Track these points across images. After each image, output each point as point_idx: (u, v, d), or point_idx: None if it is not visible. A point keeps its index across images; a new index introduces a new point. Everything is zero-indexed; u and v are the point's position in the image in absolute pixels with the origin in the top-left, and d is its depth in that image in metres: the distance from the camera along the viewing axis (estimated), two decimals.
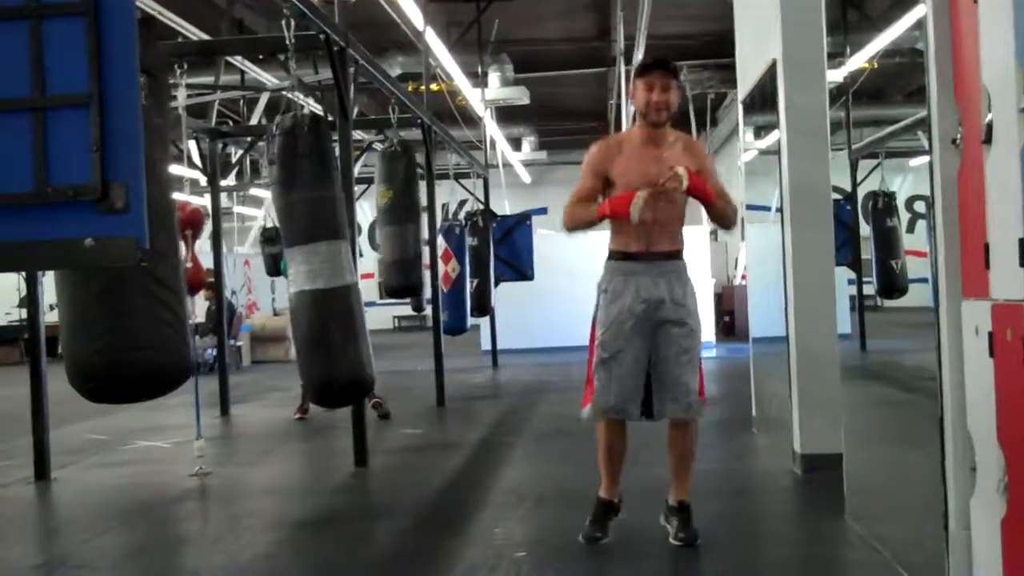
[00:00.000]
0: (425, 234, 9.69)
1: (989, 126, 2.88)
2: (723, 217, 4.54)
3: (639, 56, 13.10)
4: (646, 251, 4.35)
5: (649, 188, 4.17)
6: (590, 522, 4.55)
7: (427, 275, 11.23)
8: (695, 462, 4.61)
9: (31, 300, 7.05)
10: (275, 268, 15.62)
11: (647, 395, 4.38)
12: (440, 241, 11.59)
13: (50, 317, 7.03)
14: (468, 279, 12.40)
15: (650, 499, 4.84)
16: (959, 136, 3.16)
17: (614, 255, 4.42)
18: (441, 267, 11.42)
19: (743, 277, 16.55)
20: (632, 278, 4.34)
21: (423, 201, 9.88)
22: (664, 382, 4.35)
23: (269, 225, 15.44)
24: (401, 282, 9.13)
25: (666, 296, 4.35)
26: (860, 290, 8.00)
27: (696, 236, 16.83)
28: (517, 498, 5.74)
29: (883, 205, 10.23)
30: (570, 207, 4.42)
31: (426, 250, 9.92)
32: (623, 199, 4.18)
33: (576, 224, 4.40)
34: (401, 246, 9.11)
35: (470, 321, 12.77)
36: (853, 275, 7.39)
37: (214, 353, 12.62)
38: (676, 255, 4.46)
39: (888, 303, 10.26)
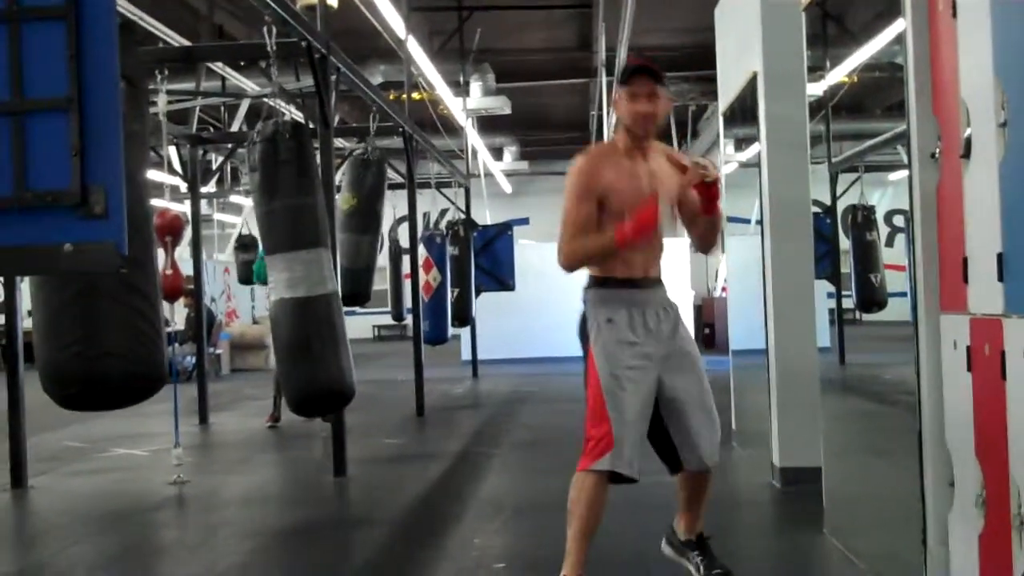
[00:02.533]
0: (386, 245, 9.59)
1: (968, 140, 2.90)
2: (715, 232, 4.07)
3: (620, 67, 13.14)
4: (645, 276, 3.86)
5: (647, 200, 3.68)
6: None
7: (407, 284, 11.21)
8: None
9: (9, 306, 7.01)
10: (248, 276, 15.58)
11: (663, 444, 3.87)
12: (421, 250, 11.57)
13: (28, 323, 6.99)
14: (449, 289, 12.38)
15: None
16: (938, 150, 3.18)
17: (610, 282, 3.83)
18: (422, 276, 11.40)
19: (723, 289, 16.60)
20: (636, 308, 3.81)
21: (388, 213, 9.82)
22: (692, 424, 3.83)
23: (245, 232, 15.37)
24: (351, 290, 8.92)
25: (668, 332, 3.87)
26: (839, 303, 8.03)
27: (676, 247, 16.93)
28: (495, 509, 5.73)
29: (862, 219, 10.28)
30: (573, 241, 3.76)
31: (406, 259, 9.90)
32: (647, 216, 3.62)
33: (588, 259, 3.81)
34: (355, 254, 9.08)
35: (451, 331, 12.76)
36: (832, 288, 7.42)
37: (193, 361, 12.56)
38: (662, 281, 3.98)
39: (867, 317, 10.30)
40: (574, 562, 3.74)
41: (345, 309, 7.03)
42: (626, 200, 3.72)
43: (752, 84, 6.12)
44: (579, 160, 3.84)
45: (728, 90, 7.30)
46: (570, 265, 3.81)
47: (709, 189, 3.76)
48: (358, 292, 9.30)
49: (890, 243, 11.58)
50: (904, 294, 4.57)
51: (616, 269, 3.81)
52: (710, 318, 17.60)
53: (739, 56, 6.66)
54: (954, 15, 3.00)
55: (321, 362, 5.78)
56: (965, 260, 2.97)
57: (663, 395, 3.80)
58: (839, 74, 5.11)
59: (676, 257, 16.60)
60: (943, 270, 3.21)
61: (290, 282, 5.79)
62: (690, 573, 4.06)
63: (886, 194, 11.83)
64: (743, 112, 6.72)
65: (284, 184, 5.80)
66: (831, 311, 8.11)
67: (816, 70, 5.10)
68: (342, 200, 9.06)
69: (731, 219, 8.88)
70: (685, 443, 3.84)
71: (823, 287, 6.26)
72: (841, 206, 9.42)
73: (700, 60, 14.40)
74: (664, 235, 3.89)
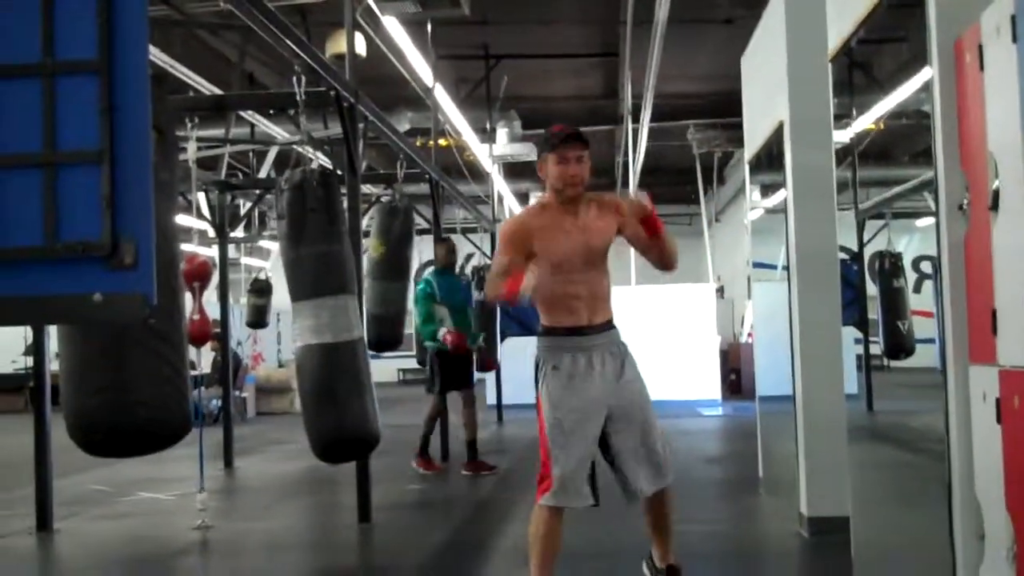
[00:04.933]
0: (411, 290, 9.70)
1: (996, 192, 2.89)
2: (669, 251, 4.33)
3: (647, 115, 13.21)
4: (589, 324, 4.19)
5: (572, 256, 4.14)
6: None
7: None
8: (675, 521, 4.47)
9: (37, 349, 7.07)
10: (259, 320, 15.62)
11: (618, 472, 4.20)
12: None
13: (55, 366, 7.04)
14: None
15: None
16: (966, 202, 3.17)
17: (556, 331, 4.21)
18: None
19: (749, 335, 16.53)
20: (582, 353, 4.16)
21: (416, 259, 9.94)
22: (638, 456, 4.16)
23: (262, 277, 15.49)
24: (380, 336, 8.97)
25: (612, 372, 4.19)
26: (867, 350, 7.98)
27: (702, 293, 16.92)
28: (523, 556, 5.67)
29: (890, 265, 10.22)
30: (489, 284, 4.26)
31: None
32: (515, 282, 3.97)
33: (495, 299, 4.22)
34: (385, 301, 9.10)
35: (476, 375, 12.73)
36: (860, 335, 7.37)
37: (219, 404, 12.59)
38: (612, 324, 4.30)
39: (895, 363, 10.22)
40: None
41: (371, 353, 7.06)
42: (558, 251, 4.14)
43: (779, 132, 6.14)
44: (511, 219, 4.49)
45: (754, 137, 7.32)
46: (488, 298, 4.32)
47: (648, 218, 4.15)
48: (389, 338, 9.32)
49: (917, 289, 11.51)
50: (932, 341, 4.53)
51: (561, 319, 4.20)
52: (736, 363, 17.47)
53: (766, 104, 6.68)
54: (981, 68, 3.00)
55: (346, 409, 5.78)
56: (994, 312, 2.95)
57: (612, 425, 4.15)
58: (866, 122, 5.11)
59: (702, 302, 16.61)
60: (972, 321, 3.19)
61: (316, 328, 5.81)
62: None
63: (913, 240, 11.77)
64: (769, 159, 6.73)
65: (311, 231, 5.84)
66: (858, 357, 8.06)
67: (842, 117, 5.11)
68: (371, 247, 9.14)
69: (757, 264, 8.86)
70: (625, 484, 4.19)
71: (850, 333, 6.22)
72: (868, 252, 9.38)
73: (725, 107, 14.45)
74: (607, 284, 4.30)
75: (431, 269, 9.51)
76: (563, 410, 4.10)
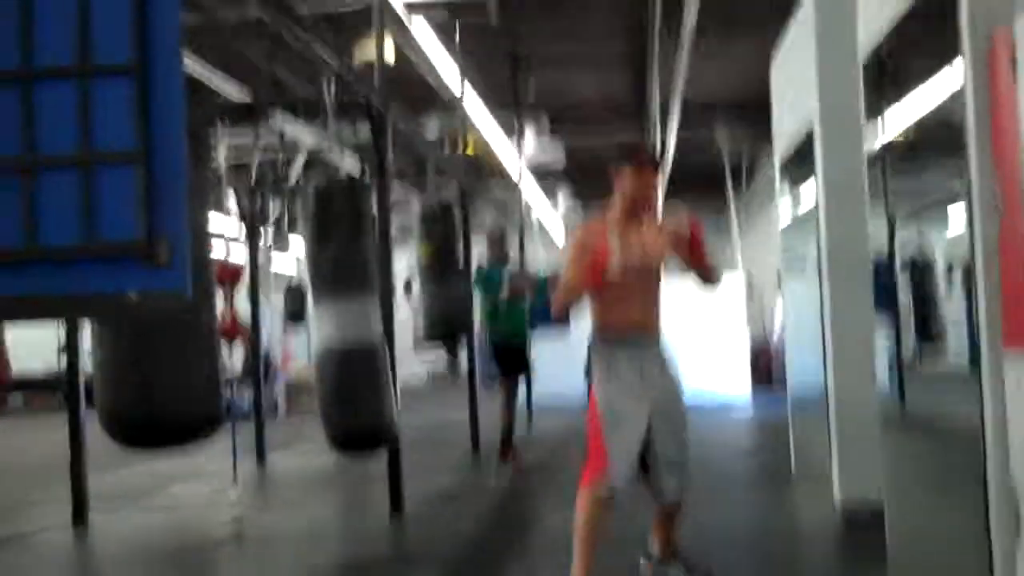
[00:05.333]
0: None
1: None
2: (709, 274, 4.63)
3: (675, 116, 13.19)
4: (642, 332, 4.52)
5: (631, 268, 4.36)
6: None
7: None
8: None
9: (71, 347, 7.14)
10: (298, 312, 15.96)
11: (651, 476, 4.47)
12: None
13: (89, 365, 7.11)
14: None
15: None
16: (999, 202, 3.15)
17: (609, 333, 4.51)
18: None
19: (780, 331, 16.45)
20: (634, 360, 4.45)
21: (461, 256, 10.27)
22: (663, 462, 4.41)
23: (294, 284, 15.82)
24: (446, 332, 9.81)
25: (660, 376, 4.50)
26: (899, 343, 7.94)
27: (731, 281, 16.80)
28: (554, 546, 5.68)
29: (922, 265, 10.15)
30: (561, 294, 4.47)
31: None
32: (599, 263, 4.31)
33: (569, 304, 4.46)
34: (445, 299, 9.54)
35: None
36: (891, 337, 7.35)
37: (251, 401, 12.67)
38: (659, 335, 4.61)
39: (927, 360, 10.14)
40: (579, 570, 4.36)
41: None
42: (620, 262, 4.33)
43: (809, 135, 6.12)
44: (578, 232, 4.70)
45: (784, 140, 7.29)
46: (558, 312, 4.48)
47: (690, 242, 4.42)
48: (454, 332, 9.98)
49: (949, 283, 11.40)
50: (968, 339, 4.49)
51: (617, 326, 4.49)
52: (767, 358, 17.44)
53: (796, 107, 6.66)
54: (1014, 68, 2.99)
55: (365, 408, 5.86)
56: None
57: (647, 441, 4.38)
58: (897, 124, 5.09)
59: (731, 292, 16.53)
60: (1006, 307, 3.18)
61: (337, 329, 5.86)
62: None
63: (946, 242, 11.67)
64: (800, 161, 6.70)
65: (336, 233, 5.88)
66: (890, 356, 8.02)
67: (873, 120, 5.09)
68: (420, 253, 9.66)
69: (787, 264, 8.83)
70: (654, 484, 4.45)
71: (881, 335, 6.20)
72: (900, 254, 9.30)
73: (754, 107, 14.39)
74: (660, 298, 4.58)
75: (488, 263, 9.64)
76: (617, 406, 4.36)
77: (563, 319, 4.71)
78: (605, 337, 4.52)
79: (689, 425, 4.55)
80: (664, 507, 4.59)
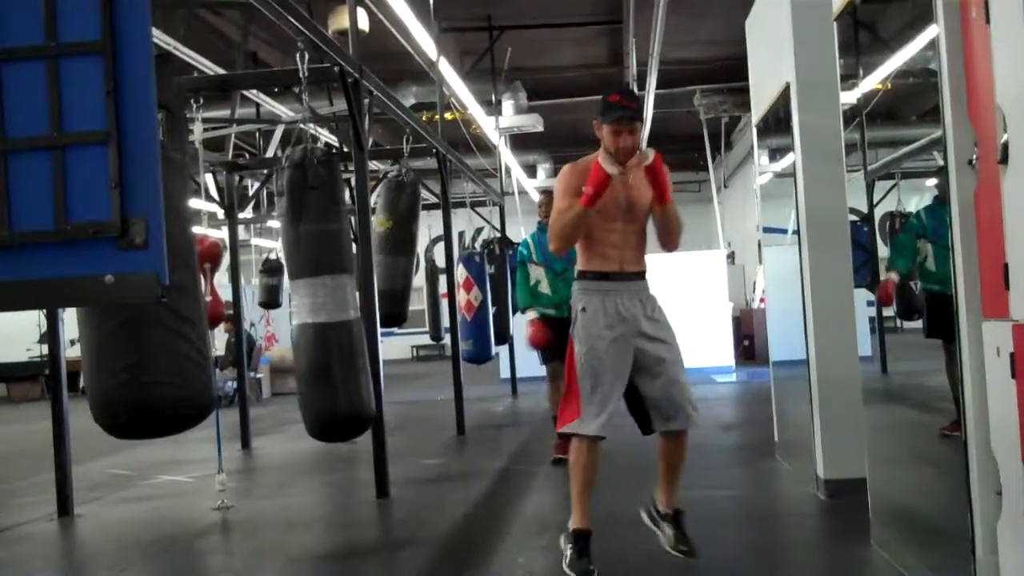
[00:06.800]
0: (423, 265, 9.61)
1: (1005, 146, 2.87)
2: (673, 225, 4.53)
3: (652, 80, 13.16)
4: (620, 270, 4.46)
5: (613, 207, 4.38)
6: (576, 557, 4.40)
7: (444, 304, 11.18)
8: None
9: (52, 336, 7.09)
10: (271, 300, 15.65)
11: (638, 410, 4.46)
12: (460, 270, 11.55)
13: (71, 352, 7.07)
14: (490, 307, 12.29)
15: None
16: (975, 157, 3.15)
17: (588, 275, 4.50)
18: (463, 296, 11.39)
19: (762, 300, 16.51)
20: (609, 296, 4.42)
21: (424, 233, 9.88)
22: (656, 397, 4.39)
23: (273, 257, 15.54)
24: (388, 311, 8.89)
25: (640, 313, 4.44)
26: (880, 312, 7.96)
27: (713, 259, 16.89)
28: (540, 527, 5.71)
29: (900, 226, 10.17)
30: (555, 224, 4.44)
31: (443, 279, 9.90)
32: (597, 175, 4.24)
33: (569, 230, 4.38)
34: (391, 277, 9.15)
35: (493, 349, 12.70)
36: (872, 297, 7.37)
37: (234, 386, 12.65)
38: (643, 275, 4.56)
39: (908, 324, 10.20)
40: (578, 515, 4.43)
41: (383, 330, 7.05)
42: (604, 204, 4.34)
43: (785, 94, 6.10)
44: (567, 168, 4.53)
45: (761, 101, 7.27)
46: (557, 244, 4.44)
47: (656, 176, 4.32)
48: (395, 313, 9.35)
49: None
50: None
51: (595, 264, 4.47)
52: (749, 330, 17.47)
53: (771, 67, 6.64)
54: (987, 21, 2.98)
55: (341, 388, 5.82)
56: (1006, 266, 2.94)
57: (639, 364, 4.37)
58: (872, 81, 5.08)
59: (713, 270, 16.58)
60: (984, 276, 3.18)
61: (313, 307, 5.83)
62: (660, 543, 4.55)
63: (923, 200, 11.70)
64: (777, 122, 6.69)
65: (311, 209, 5.83)
66: (871, 320, 8.05)
67: (849, 78, 5.08)
68: (377, 222, 9.11)
69: (767, 230, 8.82)
70: (655, 407, 4.40)
71: (863, 296, 6.19)
72: (878, 213, 9.31)
73: (732, 72, 14.37)
74: (642, 240, 4.54)
75: (537, 225, 8.11)
76: (592, 347, 4.34)
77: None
78: (583, 276, 4.51)
79: (680, 364, 4.44)
80: (667, 444, 4.48)
